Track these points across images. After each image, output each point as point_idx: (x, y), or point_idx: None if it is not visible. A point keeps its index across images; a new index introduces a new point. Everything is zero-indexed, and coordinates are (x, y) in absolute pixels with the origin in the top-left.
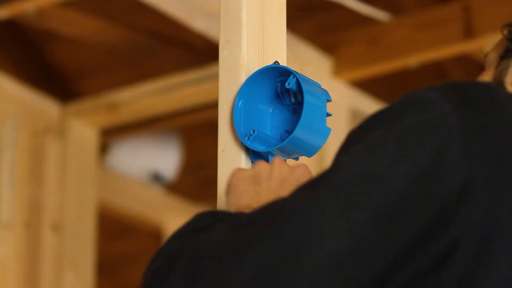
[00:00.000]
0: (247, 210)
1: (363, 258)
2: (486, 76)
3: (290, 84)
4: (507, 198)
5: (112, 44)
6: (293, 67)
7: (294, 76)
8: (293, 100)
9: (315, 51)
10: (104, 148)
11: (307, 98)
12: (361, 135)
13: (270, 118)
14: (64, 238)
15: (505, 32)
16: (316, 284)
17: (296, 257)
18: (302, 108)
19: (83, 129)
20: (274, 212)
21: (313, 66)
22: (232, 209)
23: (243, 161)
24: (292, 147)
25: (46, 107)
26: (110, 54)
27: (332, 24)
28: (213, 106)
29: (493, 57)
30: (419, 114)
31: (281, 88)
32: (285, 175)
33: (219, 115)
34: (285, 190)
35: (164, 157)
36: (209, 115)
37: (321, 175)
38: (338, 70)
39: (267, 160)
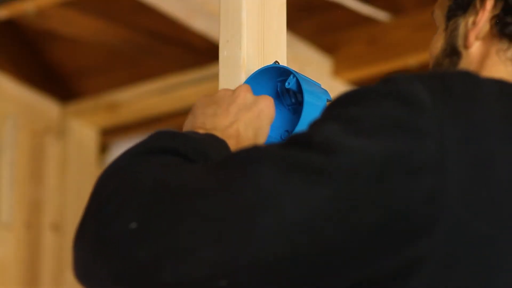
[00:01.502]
0: (200, 130)
1: (315, 235)
2: (438, 42)
3: (290, 84)
4: (484, 208)
5: (112, 44)
6: (293, 67)
7: (294, 76)
8: (293, 100)
9: (315, 51)
10: (104, 148)
11: (307, 98)
12: (338, 111)
13: None
14: (64, 238)
15: None
16: (263, 248)
17: (252, 216)
18: (302, 108)
19: (83, 129)
20: (245, 164)
21: (313, 66)
22: (187, 127)
23: None
24: None
25: (46, 107)
26: (110, 54)
27: (332, 24)
28: None
29: (439, 18)
30: (398, 104)
31: (281, 88)
32: (248, 103)
33: None
34: (245, 117)
35: None
36: None
37: (297, 138)
38: (338, 70)
39: None
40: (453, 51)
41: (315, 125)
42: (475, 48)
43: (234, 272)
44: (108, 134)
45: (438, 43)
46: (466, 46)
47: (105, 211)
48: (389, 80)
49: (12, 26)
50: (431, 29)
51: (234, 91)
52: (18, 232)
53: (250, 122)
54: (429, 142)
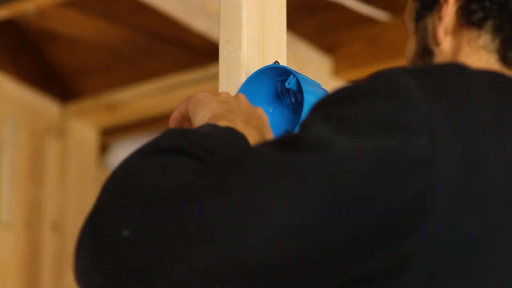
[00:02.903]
0: (223, 121)
1: (306, 237)
2: (411, 45)
3: (290, 84)
4: (474, 206)
5: (112, 44)
6: (293, 67)
7: (294, 76)
8: (293, 100)
9: (315, 51)
10: (104, 148)
11: (307, 97)
12: (328, 110)
13: (270, 118)
14: (64, 238)
15: None
16: (254, 252)
17: (242, 221)
18: (302, 108)
19: (83, 129)
20: (234, 167)
21: (313, 66)
22: (205, 119)
23: None
24: None
25: (46, 107)
26: (110, 54)
27: (332, 24)
28: None
29: (409, 23)
30: (389, 101)
31: (281, 88)
32: (251, 108)
33: None
34: (254, 116)
35: None
36: None
37: (287, 138)
38: (338, 70)
39: None
40: (425, 51)
41: (305, 125)
42: (446, 43)
43: (226, 277)
44: (108, 134)
45: (410, 47)
46: (437, 43)
47: (100, 218)
48: (380, 76)
49: (12, 26)
50: None
51: (235, 96)
52: (18, 232)
53: (258, 123)
54: (420, 139)
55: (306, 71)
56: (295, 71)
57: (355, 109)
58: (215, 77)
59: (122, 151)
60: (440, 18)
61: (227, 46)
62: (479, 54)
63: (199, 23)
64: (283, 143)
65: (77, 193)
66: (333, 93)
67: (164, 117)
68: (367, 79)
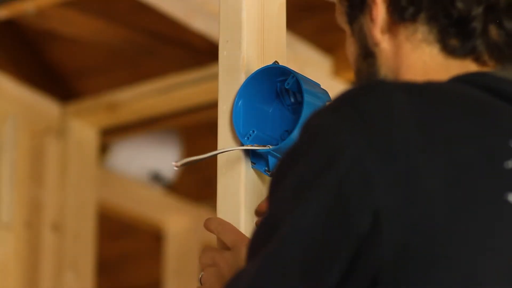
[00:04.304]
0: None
1: None
2: (351, 47)
3: (289, 84)
4: (418, 222)
5: (112, 44)
6: (293, 67)
7: (294, 76)
8: (292, 100)
9: (315, 51)
10: (104, 148)
11: (306, 98)
12: (280, 185)
13: (270, 118)
14: (64, 238)
15: None
16: None
17: None
18: (302, 108)
19: (83, 129)
20: None
21: (313, 66)
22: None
23: (243, 161)
24: None
25: (46, 107)
26: (110, 54)
27: (332, 24)
28: (213, 106)
29: (343, 25)
30: (319, 153)
31: (281, 88)
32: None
33: (219, 115)
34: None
35: (164, 157)
36: (209, 115)
37: (259, 237)
38: (338, 70)
39: (266, 161)
40: (367, 53)
41: (268, 205)
42: (385, 43)
43: None
44: (108, 134)
45: (351, 48)
46: (376, 44)
47: None
48: (308, 127)
49: (12, 26)
50: None
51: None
52: (18, 232)
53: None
54: (353, 177)
55: (306, 71)
56: (295, 71)
57: (296, 174)
58: (215, 77)
59: (122, 151)
60: (372, 20)
61: (227, 46)
62: (421, 48)
63: (199, 23)
64: (254, 248)
65: (77, 193)
66: (279, 164)
67: (164, 117)
68: (300, 131)
